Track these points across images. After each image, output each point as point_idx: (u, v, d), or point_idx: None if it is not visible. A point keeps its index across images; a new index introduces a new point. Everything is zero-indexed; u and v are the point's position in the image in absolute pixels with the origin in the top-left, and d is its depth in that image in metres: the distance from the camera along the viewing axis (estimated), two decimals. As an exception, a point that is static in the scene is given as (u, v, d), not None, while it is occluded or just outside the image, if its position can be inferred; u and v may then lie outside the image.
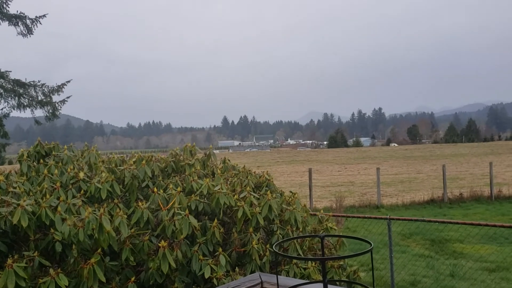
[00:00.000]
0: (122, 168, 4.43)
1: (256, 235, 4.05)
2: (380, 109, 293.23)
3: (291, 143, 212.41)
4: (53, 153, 4.95)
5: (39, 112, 17.31)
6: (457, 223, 7.53)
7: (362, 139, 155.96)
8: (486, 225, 7.20)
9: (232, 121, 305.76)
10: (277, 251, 3.79)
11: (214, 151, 5.36)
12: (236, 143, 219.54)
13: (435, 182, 25.22)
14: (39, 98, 16.70)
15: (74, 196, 4.04)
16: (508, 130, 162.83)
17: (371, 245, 2.31)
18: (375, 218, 7.77)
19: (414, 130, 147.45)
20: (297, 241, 4.26)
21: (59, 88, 16.93)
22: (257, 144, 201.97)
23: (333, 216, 9.84)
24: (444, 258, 10.57)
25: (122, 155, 5.31)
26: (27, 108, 16.67)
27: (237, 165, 5.51)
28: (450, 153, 60.56)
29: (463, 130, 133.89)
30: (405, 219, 7.60)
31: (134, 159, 4.80)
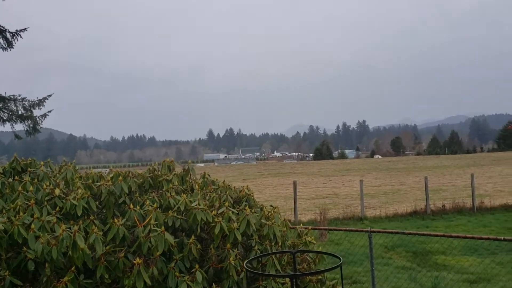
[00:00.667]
0: (99, 184, 4.39)
1: (233, 251, 4.03)
2: (364, 121, 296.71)
3: (277, 155, 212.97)
4: (29, 169, 4.88)
5: (19, 127, 17.09)
6: (437, 235, 7.60)
7: (347, 151, 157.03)
8: (466, 237, 7.28)
9: (218, 134, 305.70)
10: (250, 267, 3.76)
11: (199, 164, 5.36)
12: (222, 156, 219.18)
13: (418, 194, 25.43)
14: (20, 112, 16.49)
15: (49, 213, 3.98)
16: (490, 142, 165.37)
17: (340, 260, 2.34)
18: (356, 231, 7.80)
19: (397, 142, 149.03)
20: (275, 256, 4.25)
21: (40, 102, 16.76)
22: (243, 156, 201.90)
23: (315, 229, 9.86)
24: (426, 270, 10.63)
25: (100, 170, 5.26)
26: (7, 122, 16.44)
27: (217, 179, 5.50)
28: (433, 165, 61.24)
29: (446, 142, 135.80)
30: (385, 232, 7.64)
31: (111, 175, 4.76)
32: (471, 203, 19.85)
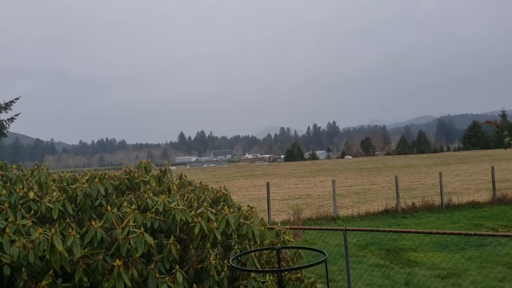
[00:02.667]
0: (74, 186, 4.31)
1: (213, 251, 4.03)
2: (334, 122, 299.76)
3: (249, 157, 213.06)
4: (1, 172, 4.75)
5: (-15, 131, 16.59)
6: (410, 232, 7.76)
7: (318, 152, 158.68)
8: (437, 233, 7.47)
9: (189, 137, 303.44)
10: (234, 265, 3.78)
11: (171, 167, 5.32)
12: (194, 158, 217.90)
13: (389, 193, 25.92)
14: (-15, 117, 16.01)
15: (23, 217, 3.89)
16: (456, 141, 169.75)
17: (325, 255, 2.37)
18: (332, 229, 7.89)
19: (367, 143, 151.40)
20: (254, 254, 4.27)
21: (7, 106, 16.33)
22: (215, 159, 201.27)
23: (291, 229, 9.92)
24: (399, 267, 10.84)
25: (74, 173, 5.17)
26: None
27: (193, 181, 5.48)
28: (402, 164, 62.50)
29: (414, 142, 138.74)
30: (360, 230, 7.76)
31: (86, 177, 4.69)
32: (440, 201, 20.36)
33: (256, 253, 4.40)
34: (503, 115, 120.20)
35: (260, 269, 4.18)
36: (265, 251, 4.43)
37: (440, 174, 21.67)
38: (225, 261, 4.08)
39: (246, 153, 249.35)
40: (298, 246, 4.62)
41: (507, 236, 6.38)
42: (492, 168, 21.83)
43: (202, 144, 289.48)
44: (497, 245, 12.08)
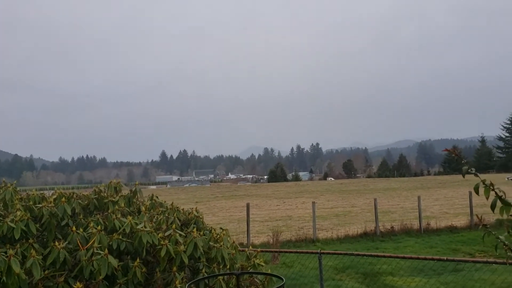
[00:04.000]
0: (40, 206, 4.22)
1: (180, 274, 3.96)
2: (317, 144, 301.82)
3: (231, 177, 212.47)
4: (-36, 190, 4.63)
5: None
6: (385, 256, 7.77)
7: (301, 174, 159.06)
8: (412, 257, 7.49)
9: (171, 156, 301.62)
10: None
11: (151, 186, 5.28)
12: (175, 178, 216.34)
13: (368, 216, 25.99)
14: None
15: (-16, 237, 3.78)
16: (436, 165, 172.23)
17: (282, 281, 2.35)
18: (306, 252, 7.85)
19: (349, 165, 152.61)
20: (223, 278, 4.21)
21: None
22: (197, 179, 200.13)
23: (265, 251, 9.85)
24: (375, 291, 10.81)
25: (42, 192, 5.07)
26: None
27: (165, 202, 5.42)
28: (383, 187, 62.95)
29: (395, 165, 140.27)
30: (335, 253, 7.74)
31: (54, 197, 4.60)
32: (419, 225, 20.49)
33: (225, 277, 4.33)
34: (482, 140, 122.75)
35: (228, 293, 4.11)
36: (233, 275, 4.36)
37: (419, 198, 21.85)
38: (187, 284, 4.00)
39: (229, 173, 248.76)
40: (257, 271, 4.56)
41: (478, 262, 6.43)
42: (470, 193, 22.12)
43: (184, 163, 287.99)
44: (472, 270, 12.15)
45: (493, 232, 2.77)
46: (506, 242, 2.74)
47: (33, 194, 4.79)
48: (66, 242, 3.84)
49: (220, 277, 4.12)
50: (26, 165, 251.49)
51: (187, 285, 2.22)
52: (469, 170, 2.52)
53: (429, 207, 30.59)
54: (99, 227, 3.95)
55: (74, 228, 3.97)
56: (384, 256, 7.91)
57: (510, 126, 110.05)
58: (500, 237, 2.76)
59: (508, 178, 22.56)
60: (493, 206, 2.43)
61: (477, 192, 2.44)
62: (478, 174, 2.53)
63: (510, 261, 2.76)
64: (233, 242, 5.02)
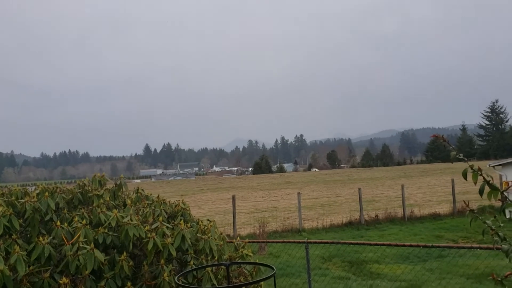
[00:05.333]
0: (23, 201, 4.13)
1: (168, 267, 3.92)
2: (301, 135, 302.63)
3: (216, 170, 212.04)
4: None
5: None
6: (370, 244, 7.83)
7: (286, 165, 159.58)
8: (397, 245, 7.56)
9: (155, 149, 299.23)
10: (185, 282, 3.67)
11: (136, 180, 5.22)
12: (159, 171, 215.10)
13: (353, 205, 26.22)
14: None
15: (-35, 234, 3.68)
16: (418, 154, 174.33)
17: (273, 270, 2.33)
18: (294, 242, 7.87)
19: (333, 156, 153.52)
20: (211, 270, 4.18)
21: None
22: (181, 172, 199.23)
23: (253, 242, 9.86)
24: (362, 279, 10.92)
25: (25, 187, 4.96)
26: None
27: (151, 194, 5.36)
28: (367, 177, 63.53)
29: (378, 155, 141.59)
30: (322, 242, 7.78)
31: (37, 191, 4.50)
32: (402, 213, 20.74)
33: (213, 268, 4.31)
34: (463, 128, 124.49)
35: (216, 284, 4.09)
36: (222, 266, 4.34)
37: (402, 186, 22.10)
38: (176, 276, 3.97)
39: (214, 166, 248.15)
40: (248, 261, 4.55)
41: (463, 247, 6.52)
42: (453, 181, 22.44)
43: (168, 157, 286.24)
44: (456, 256, 12.35)
45: (480, 217, 2.79)
46: (493, 227, 2.76)
47: (15, 189, 4.69)
48: (51, 237, 3.77)
49: (209, 269, 4.09)
50: (7, 161, 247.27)
51: (176, 277, 2.18)
52: (457, 156, 2.53)
53: (412, 195, 31.00)
54: (84, 221, 3.88)
55: (58, 223, 3.89)
56: (370, 244, 7.98)
57: (490, 114, 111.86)
58: (487, 222, 2.77)
59: (489, 165, 22.88)
60: (481, 191, 2.43)
61: (465, 177, 2.44)
62: (466, 159, 2.53)
63: (497, 245, 2.78)
64: (221, 233, 4.99)
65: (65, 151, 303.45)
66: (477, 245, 7.05)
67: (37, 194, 4.41)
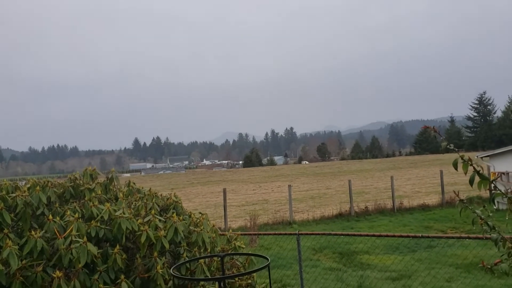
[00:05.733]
0: (14, 195, 4.10)
1: (161, 259, 3.93)
2: (291, 128, 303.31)
3: (206, 163, 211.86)
4: None
5: None
6: (361, 235, 7.91)
7: (276, 158, 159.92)
8: (387, 235, 7.65)
9: (144, 143, 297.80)
10: (178, 274, 3.69)
11: (125, 174, 5.19)
12: (149, 165, 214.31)
13: (343, 197, 26.40)
14: None
15: (-44, 229, 3.66)
16: (407, 146, 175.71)
17: (268, 261, 2.35)
18: (285, 234, 7.92)
19: (323, 148, 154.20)
20: (204, 262, 4.20)
21: None
22: (171, 166, 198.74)
23: (244, 234, 9.89)
24: (352, 270, 11.02)
25: (15, 181, 4.93)
26: None
27: (142, 188, 5.35)
28: (356, 169, 63.92)
29: (368, 147, 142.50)
30: (313, 234, 7.83)
31: (28, 185, 4.47)
32: (392, 204, 20.93)
33: (206, 260, 4.33)
34: (452, 120, 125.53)
35: (210, 276, 4.11)
36: (215, 258, 4.36)
37: (392, 178, 22.28)
38: (171, 268, 3.98)
39: (204, 160, 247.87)
40: (243, 252, 4.58)
41: (452, 237, 6.62)
42: (441, 172, 22.67)
43: (158, 150, 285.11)
44: (445, 246, 12.52)
45: (469, 207, 2.84)
46: (482, 216, 2.81)
47: (6, 184, 4.65)
48: (43, 231, 3.76)
49: (202, 261, 4.11)
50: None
51: (171, 269, 2.20)
52: (448, 146, 2.56)
53: (401, 186, 31.26)
54: (76, 215, 3.87)
55: (50, 217, 3.87)
56: (360, 235, 8.06)
57: (478, 106, 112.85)
58: (477, 211, 2.83)
59: (477, 156, 23.14)
60: (471, 181, 2.48)
61: (455, 168, 2.48)
62: (456, 149, 2.57)
63: (486, 235, 2.83)
64: (213, 226, 5.01)
65: (53, 146, 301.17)
66: (466, 235, 7.15)
67: (28, 189, 4.38)
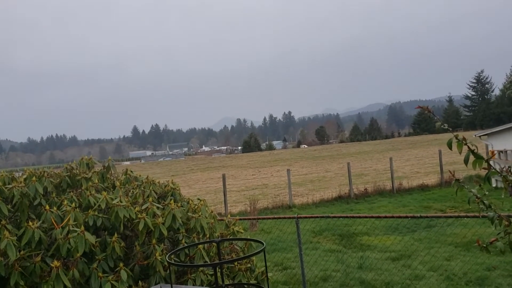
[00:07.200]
0: (10, 186, 4.09)
1: (159, 246, 3.94)
2: (289, 112, 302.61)
3: (205, 150, 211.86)
4: None
5: None
6: (360, 217, 7.94)
7: (275, 143, 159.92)
8: (386, 217, 7.67)
9: (143, 131, 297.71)
10: (176, 260, 3.71)
11: (125, 162, 5.18)
12: (149, 153, 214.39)
13: (342, 180, 26.48)
14: None
15: (-47, 221, 3.65)
16: (406, 127, 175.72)
17: (263, 245, 2.35)
18: (284, 217, 7.95)
19: (321, 131, 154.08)
20: (203, 247, 4.22)
21: None
22: (170, 153, 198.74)
23: (243, 219, 9.92)
24: (352, 251, 11.09)
25: (12, 172, 4.91)
26: None
27: (140, 176, 5.34)
28: (355, 151, 64.00)
29: (366, 129, 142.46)
30: (312, 217, 7.86)
31: (24, 176, 4.46)
32: (391, 185, 20.99)
33: (205, 246, 4.34)
34: (450, 100, 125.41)
35: (209, 261, 4.13)
36: (213, 243, 4.38)
37: (391, 159, 22.31)
38: (167, 255, 4.00)
39: (203, 146, 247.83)
40: (238, 238, 4.59)
41: (450, 217, 6.64)
42: (440, 152, 22.69)
43: (157, 138, 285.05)
44: (444, 225, 12.59)
45: (465, 187, 2.83)
46: (478, 195, 2.80)
47: (2, 175, 4.64)
48: (40, 221, 3.76)
49: (201, 246, 4.12)
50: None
51: (167, 255, 2.20)
52: (442, 126, 2.55)
53: (400, 167, 31.34)
54: (73, 205, 3.86)
55: (47, 207, 3.87)
56: (359, 217, 8.08)
57: (476, 85, 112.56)
58: (473, 190, 2.82)
59: (475, 135, 23.15)
60: (466, 160, 2.47)
61: (450, 147, 2.47)
62: (451, 129, 2.55)
63: (482, 213, 2.83)
64: (212, 212, 5.01)
65: (52, 135, 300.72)
66: (464, 214, 7.17)
67: (25, 179, 4.37)
